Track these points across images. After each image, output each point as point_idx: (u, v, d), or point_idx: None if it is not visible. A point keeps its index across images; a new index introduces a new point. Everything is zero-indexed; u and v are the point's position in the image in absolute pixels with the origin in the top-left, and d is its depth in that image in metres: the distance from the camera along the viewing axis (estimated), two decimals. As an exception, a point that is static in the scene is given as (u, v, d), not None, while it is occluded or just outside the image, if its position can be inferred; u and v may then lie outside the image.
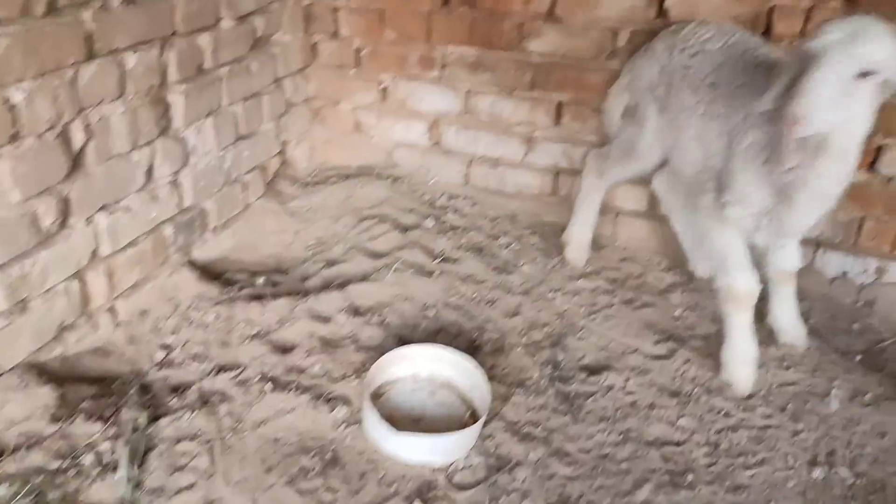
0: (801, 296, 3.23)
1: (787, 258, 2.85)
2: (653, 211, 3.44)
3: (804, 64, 2.11)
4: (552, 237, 3.51)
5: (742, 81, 2.56)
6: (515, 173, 3.62)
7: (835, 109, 2.08)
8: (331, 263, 3.16)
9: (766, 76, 2.39)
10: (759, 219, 2.55)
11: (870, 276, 3.25)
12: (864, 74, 2.05)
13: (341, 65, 3.67)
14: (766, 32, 3.00)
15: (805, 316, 3.13)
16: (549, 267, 3.30)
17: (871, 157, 3.06)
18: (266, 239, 3.35)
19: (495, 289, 3.10)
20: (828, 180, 2.34)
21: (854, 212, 3.17)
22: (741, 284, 2.63)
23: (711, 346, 2.91)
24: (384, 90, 3.67)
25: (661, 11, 3.12)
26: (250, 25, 3.17)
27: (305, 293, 2.94)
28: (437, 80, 3.55)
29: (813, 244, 3.27)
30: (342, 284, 2.98)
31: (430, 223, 3.39)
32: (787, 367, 2.85)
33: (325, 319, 2.79)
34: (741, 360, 2.71)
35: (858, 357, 2.95)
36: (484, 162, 3.64)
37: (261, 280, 3.04)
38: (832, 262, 3.28)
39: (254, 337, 2.72)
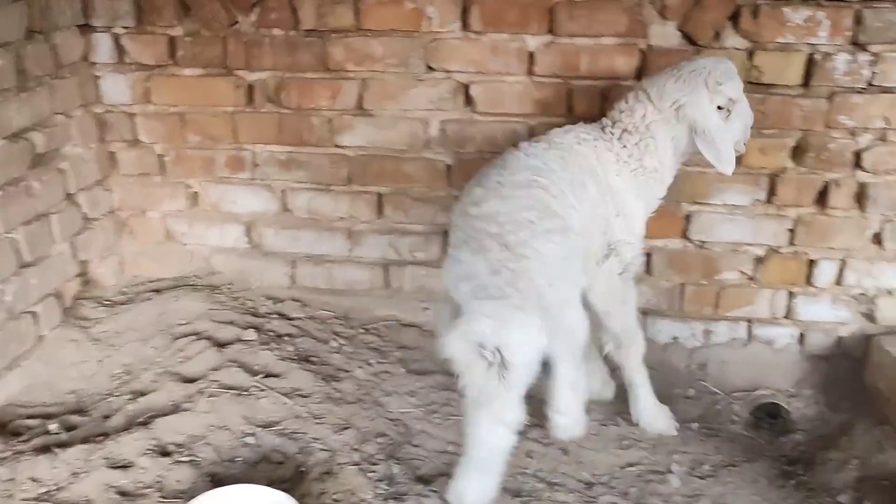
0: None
1: None
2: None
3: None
4: (388, 333, 3.37)
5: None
6: (343, 269, 3.46)
7: None
8: (137, 395, 2.82)
9: None
10: None
11: (698, 339, 3.31)
12: None
13: (144, 172, 3.41)
14: (569, 112, 3.06)
15: (642, 387, 3.14)
16: (383, 368, 3.12)
17: (682, 226, 3.16)
18: (64, 373, 2.97)
19: (324, 401, 2.87)
20: None
21: (674, 278, 3.24)
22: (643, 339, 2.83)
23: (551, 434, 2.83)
24: (194, 195, 3.44)
25: (469, 100, 3.12)
26: (28, 142, 2.88)
27: (106, 435, 2.59)
28: (249, 181, 3.36)
29: (642, 314, 3.30)
30: (148, 420, 2.66)
31: (251, 335, 3.13)
32: (628, 447, 2.80)
33: (126, 466, 2.46)
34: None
35: (695, 424, 2.95)
36: (308, 260, 3.45)
37: (53, 425, 2.67)
38: (663, 329, 3.32)
39: (37, 500, 2.34)
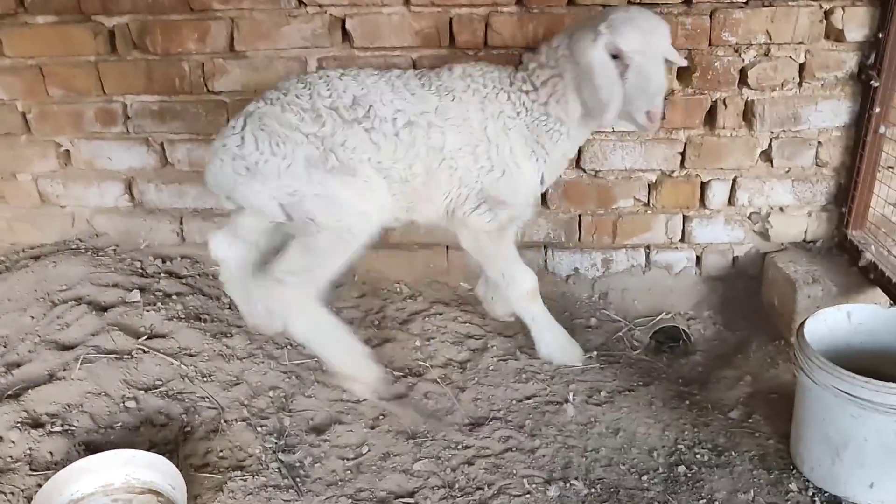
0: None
1: None
2: (389, 238, 3.28)
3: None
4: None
5: (437, 103, 2.50)
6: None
7: None
8: (11, 367, 2.67)
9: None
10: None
11: (598, 269, 3.30)
12: None
13: (9, 132, 3.18)
14: (452, 43, 2.94)
15: (544, 321, 3.12)
16: (278, 320, 3.03)
17: (575, 156, 3.09)
18: (-66, 350, 2.80)
19: (213, 359, 2.77)
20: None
21: (571, 210, 3.20)
22: (532, 280, 2.74)
23: (451, 374, 2.80)
24: (65, 153, 3.23)
25: (346, 35, 2.96)
26: None
27: (-27, 411, 2.45)
28: (123, 136, 3.16)
29: (541, 248, 3.27)
30: (20, 392, 2.52)
31: (135, 296, 2.99)
32: (527, 381, 2.78)
33: (-6, 441, 2.33)
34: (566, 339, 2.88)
35: (594, 353, 2.95)
36: (196, 215, 3.31)
37: (-82, 404, 2.51)
38: (563, 262, 3.30)
39: None
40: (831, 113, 2.96)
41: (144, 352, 2.72)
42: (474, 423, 2.56)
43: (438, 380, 2.76)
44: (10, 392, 2.52)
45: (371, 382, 2.63)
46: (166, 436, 2.44)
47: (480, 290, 3.09)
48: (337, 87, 2.48)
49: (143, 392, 2.57)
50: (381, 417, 2.57)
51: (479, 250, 2.70)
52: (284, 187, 2.41)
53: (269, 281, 2.51)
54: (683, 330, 3.12)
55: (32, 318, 2.92)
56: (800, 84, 2.94)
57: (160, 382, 2.63)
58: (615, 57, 2.33)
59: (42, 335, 2.82)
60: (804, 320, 2.35)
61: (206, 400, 2.59)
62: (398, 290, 3.30)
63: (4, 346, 2.82)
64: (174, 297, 3.06)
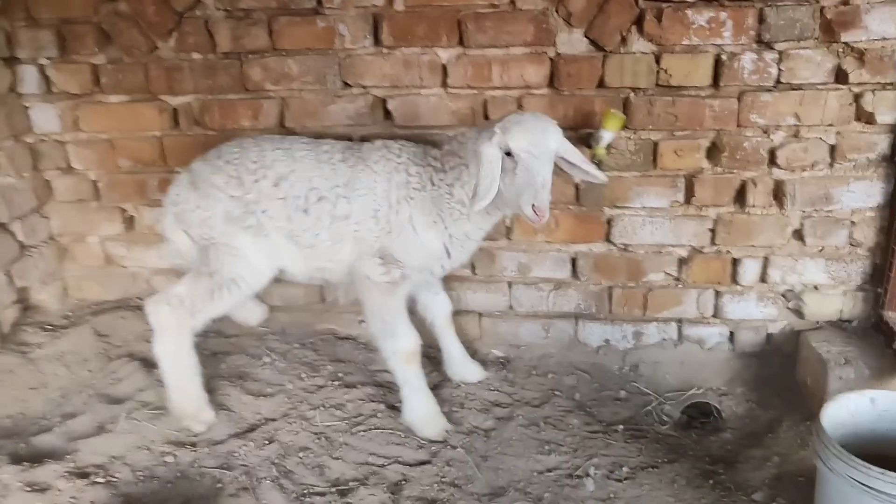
0: (569, 370, 3.29)
1: (443, 304, 3.14)
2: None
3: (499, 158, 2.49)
4: (324, 347, 3.41)
5: (349, 176, 2.75)
6: (279, 286, 3.50)
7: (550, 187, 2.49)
8: (67, 417, 2.89)
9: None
10: (438, 264, 2.84)
11: (629, 341, 3.32)
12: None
13: (80, 199, 3.49)
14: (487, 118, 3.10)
15: (572, 391, 3.16)
16: (314, 382, 3.16)
17: (605, 230, 3.17)
18: (0, 399, 3.03)
19: (249, 416, 2.92)
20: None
21: (601, 282, 3.26)
22: (412, 342, 2.84)
23: (475, 441, 2.86)
24: (129, 219, 3.50)
25: (387, 114, 3.16)
26: (-48, 175, 2.96)
27: (30, 459, 2.65)
28: (181, 203, 3.42)
29: (572, 318, 3.33)
30: (72, 441, 2.72)
31: (183, 355, 3.19)
32: (550, 452, 2.81)
33: (44, 489, 2.51)
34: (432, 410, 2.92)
35: (621, 427, 2.97)
36: (245, 279, 3.51)
37: (-20, 451, 2.73)
38: (594, 333, 3.34)
39: (-47, 525, 2.40)
40: (864, 193, 2.96)
41: (185, 407, 2.90)
42: (493, 494, 2.60)
43: (462, 447, 2.83)
44: (65, 441, 2.73)
45: (207, 421, 2.87)
46: (200, 491, 2.57)
47: (447, 369, 3.23)
48: (265, 161, 2.81)
49: (180, 447, 2.74)
50: (402, 482, 2.65)
51: (368, 298, 2.83)
52: (202, 234, 2.84)
53: (159, 297, 2.87)
54: (715, 406, 3.10)
55: (90, 371, 3.16)
56: (831, 165, 2.96)
57: (197, 439, 2.79)
58: (509, 154, 2.48)
59: (97, 388, 3.04)
60: (824, 405, 2.33)
61: (240, 458, 2.73)
62: (431, 355, 3.40)
63: (63, 398, 3.05)
64: (219, 355, 3.25)
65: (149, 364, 3.14)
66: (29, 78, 3.28)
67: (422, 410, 2.88)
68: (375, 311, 2.82)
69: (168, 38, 3.16)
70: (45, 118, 3.35)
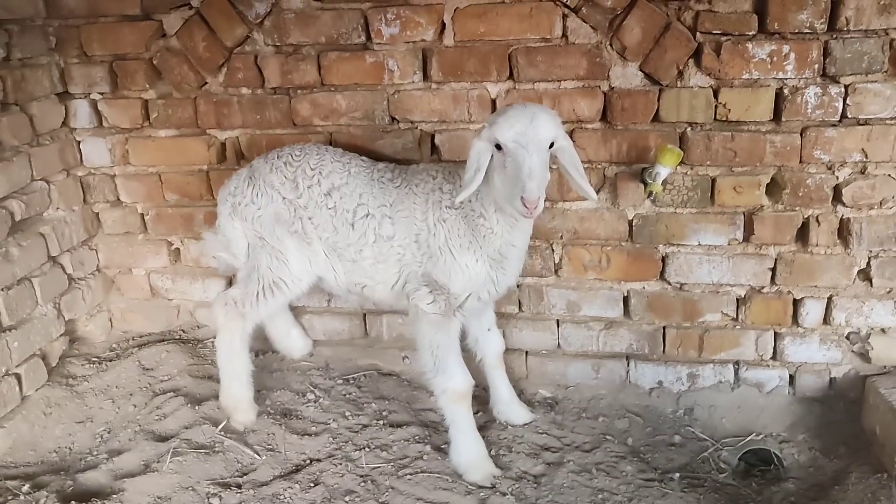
0: (620, 413, 3.17)
1: (495, 342, 3.07)
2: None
3: (491, 153, 2.42)
4: (368, 384, 3.35)
5: (395, 197, 2.76)
6: (322, 319, 3.47)
7: (545, 180, 2.38)
8: (113, 454, 2.87)
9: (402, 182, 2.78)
10: (483, 290, 2.75)
11: (683, 383, 3.20)
12: (552, 145, 2.41)
13: (128, 231, 3.50)
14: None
15: (624, 435, 3.05)
16: (359, 421, 3.10)
17: (659, 268, 3.07)
18: (49, 433, 3.03)
19: (294, 456, 2.87)
20: (527, 234, 2.70)
21: (655, 321, 3.15)
22: (464, 383, 2.77)
23: (525, 488, 2.76)
24: (176, 251, 3.51)
25: (434, 149, 3.11)
26: (4, 211, 2.98)
27: (77, 498, 2.63)
28: (227, 237, 3.41)
29: (623, 358, 3.22)
30: (118, 479, 2.70)
31: (227, 391, 3.17)
32: (603, 501, 2.70)
33: (88, 530, 2.49)
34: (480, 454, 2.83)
35: (677, 474, 2.84)
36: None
37: (26, 486, 2.71)
38: (646, 374, 3.23)
39: (-1, 566, 2.38)
40: (936, 233, 2.82)
41: (230, 450, 2.85)
42: (539, 545, 2.51)
43: (512, 494, 2.73)
44: (111, 479, 2.71)
45: (244, 422, 2.98)
46: (245, 536, 2.53)
47: (492, 407, 3.14)
48: (323, 169, 2.85)
49: (226, 489, 2.69)
50: (450, 530, 2.57)
51: (418, 331, 2.77)
52: (254, 231, 2.91)
53: (220, 297, 3.05)
54: (775, 453, 2.96)
55: (135, 406, 3.15)
56: (900, 203, 2.83)
57: (243, 480, 2.74)
58: (500, 148, 2.39)
59: (142, 424, 3.02)
60: (903, 463, 2.20)
61: (285, 500, 2.67)
62: (476, 394, 3.31)
63: (109, 433, 3.04)
64: (263, 391, 3.21)
65: (194, 400, 3.12)
66: (81, 113, 3.33)
67: (470, 454, 2.79)
68: (426, 345, 2.76)
69: (217, 73, 3.17)
70: (96, 152, 3.39)
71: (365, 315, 3.42)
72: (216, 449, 2.84)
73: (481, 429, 3.04)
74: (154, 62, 3.20)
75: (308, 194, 2.83)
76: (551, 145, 2.41)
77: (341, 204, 2.80)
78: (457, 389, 2.75)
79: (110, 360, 3.44)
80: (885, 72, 2.70)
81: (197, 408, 3.06)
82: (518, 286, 3.22)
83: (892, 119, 2.74)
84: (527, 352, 3.31)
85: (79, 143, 3.38)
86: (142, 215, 3.47)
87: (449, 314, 2.71)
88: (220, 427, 2.94)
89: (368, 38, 3.01)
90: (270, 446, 2.91)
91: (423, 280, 2.72)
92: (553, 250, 3.15)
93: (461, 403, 2.77)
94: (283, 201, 2.86)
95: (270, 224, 2.89)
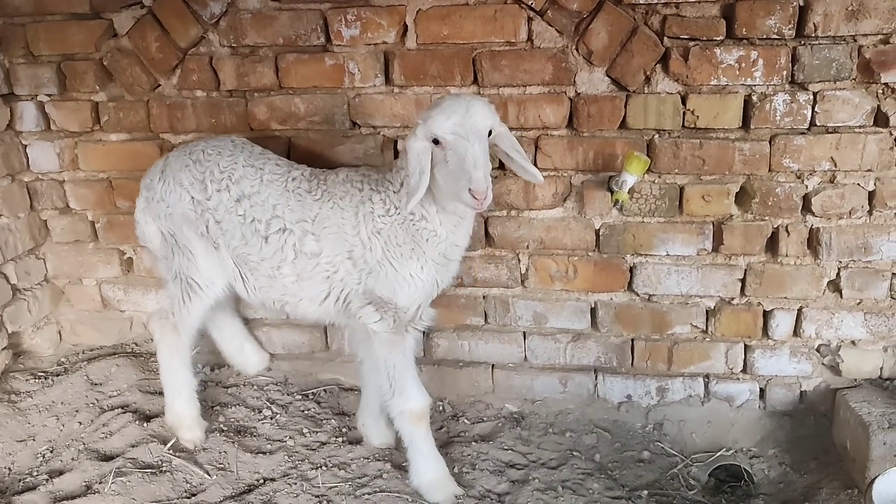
0: (588, 428, 3.08)
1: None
2: (430, 356, 3.23)
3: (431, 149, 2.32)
4: (328, 399, 3.23)
5: (317, 211, 2.59)
6: (281, 332, 3.35)
7: (489, 169, 2.30)
8: (54, 474, 2.71)
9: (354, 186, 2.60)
10: (429, 298, 2.64)
11: (653, 397, 3.12)
12: (490, 133, 2.35)
13: (77, 239, 3.35)
14: (501, 166, 2.93)
15: (591, 451, 2.95)
16: (317, 438, 2.97)
17: (627, 278, 2.99)
18: (-14, 452, 2.88)
19: (247, 476, 2.73)
20: (469, 231, 2.60)
21: (623, 334, 3.07)
22: (422, 402, 2.66)
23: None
24: (128, 261, 3.36)
25: (396, 155, 3.01)
26: (-59, 218, 2.83)
27: (12, 522, 2.48)
28: (182, 245, 3.28)
29: (591, 371, 3.13)
30: (57, 502, 2.54)
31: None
32: (578, 521, 2.61)
33: (21, 557, 2.34)
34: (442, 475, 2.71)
35: (645, 492, 2.75)
36: (245, 324, 3.35)
37: (-41, 511, 2.56)
38: (615, 388, 3.14)
39: None
40: (906, 243, 2.78)
41: (177, 468, 2.71)
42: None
43: (474, 514, 2.63)
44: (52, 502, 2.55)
45: (191, 440, 2.86)
46: (189, 561, 2.39)
47: (358, 416, 2.98)
48: (233, 174, 2.67)
49: (172, 511, 2.55)
50: (407, 553, 2.45)
51: (374, 353, 2.66)
52: (167, 227, 2.79)
53: (154, 312, 2.96)
54: (745, 469, 2.89)
55: (80, 423, 3.00)
56: (870, 212, 2.77)
57: (188, 499, 2.60)
58: (438, 143, 2.31)
59: (87, 443, 2.87)
60: (874, 479, 2.13)
61: (234, 523, 2.54)
62: (440, 408, 3.20)
63: (51, 452, 2.88)
64: (217, 407, 3.08)
65: (143, 417, 2.97)
66: (28, 115, 3.18)
67: (430, 475, 2.68)
68: (382, 367, 2.64)
69: (171, 75, 3.05)
70: (44, 156, 3.24)
71: (326, 328, 3.30)
72: (164, 469, 2.69)
73: (444, 446, 2.94)
74: (104, 63, 3.07)
75: (217, 197, 2.67)
76: (489, 133, 2.34)
77: (252, 213, 2.64)
78: (414, 410, 2.63)
79: (57, 375, 3.28)
80: (854, 79, 2.65)
81: (146, 425, 2.91)
82: (483, 297, 3.13)
83: (860, 127, 2.70)
84: (493, 365, 3.21)
85: (25, 146, 3.23)
86: (92, 223, 3.32)
87: (400, 330, 2.59)
88: (169, 445, 2.80)
89: (328, 39, 2.91)
90: (222, 465, 2.78)
91: (365, 298, 2.58)
92: (519, 260, 3.06)
93: (419, 425, 2.66)
94: (191, 201, 2.71)
95: (180, 223, 2.75)
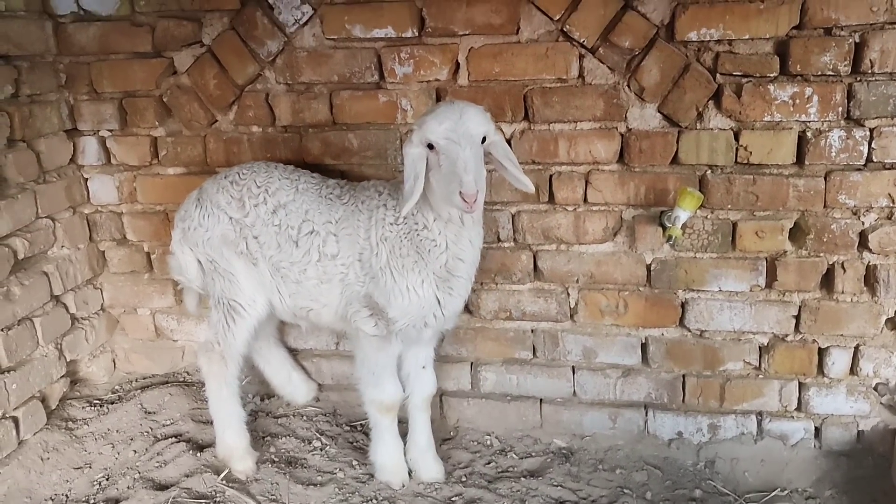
0: (639, 465, 3.04)
1: (428, 382, 2.92)
2: (477, 389, 3.23)
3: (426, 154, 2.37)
4: (375, 430, 3.24)
5: (341, 214, 2.68)
6: (330, 363, 3.38)
7: (482, 175, 2.34)
8: (111, 502, 2.76)
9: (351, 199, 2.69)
10: (426, 315, 2.64)
11: (704, 434, 3.07)
12: (484, 140, 2.37)
13: (133, 270, 3.44)
14: (551, 199, 2.95)
15: (642, 489, 2.91)
16: (367, 471, 2.98)
17: (678, 314, 2.97)
18: (45, 479, 2.92)
19: (298, 509, 2.75)
20: (475, 244, 2.58)
21: (674, 370, 3.04)
22: (395, 396, 2.80)
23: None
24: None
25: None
26: (7, 249, 2.91)
27: (70, 550, 2.52)
28: (234, 277, 3.33)
29: (641, 407, 3.10)
30: (114, 533, 2.59)
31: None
32: (621, 560, 2.57)
33: (81, 587, 2.38)
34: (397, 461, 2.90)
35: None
36: (295, 355, 3.39)
37: (20, 539, 2.61)
38: (665, 425, 3.10)
39: None
40: (967, 281, 2.72)
41: (226, 493, 2.74)
42: None
43: (525, 552, 2.61)
44: (104, 533, 2.60)
45: (243, 471, 2.89)
46: None
47: (406, 451, 2.96)
48: (270, 187, 2.77)
49: (226, 543, 2.58)
50: (461, 593, 2.44)
51: (359, 349, 2.77)
52: (205, 255, 2.84)
53: (201, 345, 3.00)
54: (801, 510, 2.83)
55: (135, 452, 3.04)
56: (929, 249, 2.73)
57: (244, 525, 2.63)
58: (432, 148, 2.35)
59: (142, 471, 2.91)
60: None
61: (287, 556, 2.55)
62: (488, 442, 3.19)
63: (107, 479, 2.93)
64: (268, 438, 3.11)
65: (196, 446, 3.01)
66: (89, 150, 3.29)
67: (385, 458, 2.90)
68: (364, 362, 2.78)
69: (228, 111, 3.14)
70: (103, 189, 3.34)
71: (374, 359, 3.32)
72: (217, 499, 2.72)
73: (493, 481, 2.93)
74: (164, 99, 3.16)
75: (255, 213, 2.75)
76: (483, 140, 2.37)
77: (286, 221, 2.72)
78: (385, 402, 2.79)
79: (112, 403, 3.34)
80: (912, 115, 2.63)
81: (199, 454, 2.95)
82: (532, 331, 3.13)
83: (919, 163, 2.67)
84: (541, 399, 3.20)
85: (86, 180, 3.34)
86: (148, 254, 3.41)
87: (389, 337, 2.67)
88: (222, 476, 2.84)
89: (381, 77, 2.97)
90: (273, 496, 2.80)
91: (363, 302, 2.65)
92: (569, 294, 3.06)
93: (387, 415, 2.83)
94: (229, 221, 2.78)
95: (219, 246, 2.81)
